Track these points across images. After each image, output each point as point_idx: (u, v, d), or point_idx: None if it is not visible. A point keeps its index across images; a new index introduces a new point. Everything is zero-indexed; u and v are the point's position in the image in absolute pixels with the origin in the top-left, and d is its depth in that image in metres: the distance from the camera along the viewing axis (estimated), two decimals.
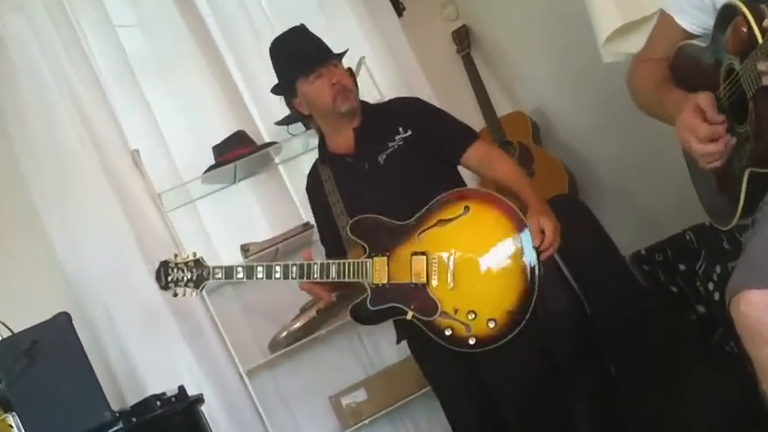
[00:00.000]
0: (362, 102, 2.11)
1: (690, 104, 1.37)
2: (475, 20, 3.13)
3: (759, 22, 1.23)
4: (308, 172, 2.18)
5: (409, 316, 1.92)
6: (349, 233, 1.97)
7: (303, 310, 2.73)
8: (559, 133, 2.96)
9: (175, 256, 1.96)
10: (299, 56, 2.04)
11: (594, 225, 2.52)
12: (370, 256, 1.94)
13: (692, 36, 1.51)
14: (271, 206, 2.88)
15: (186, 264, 1.94)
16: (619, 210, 2.75)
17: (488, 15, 3.03)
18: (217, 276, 1.95)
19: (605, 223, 2.47)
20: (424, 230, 1.94)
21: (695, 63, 1.48)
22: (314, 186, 2.15)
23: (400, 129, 2.02)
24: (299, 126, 2.84)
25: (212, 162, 2.76)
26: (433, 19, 3.15)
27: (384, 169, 2.01)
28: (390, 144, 2.01)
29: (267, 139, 2.88)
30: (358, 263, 1.93)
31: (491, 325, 1.86)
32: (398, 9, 2.97)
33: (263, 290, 2.79)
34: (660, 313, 2.27)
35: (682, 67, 1.53)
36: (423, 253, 1.92)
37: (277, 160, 2.93)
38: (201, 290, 1.94)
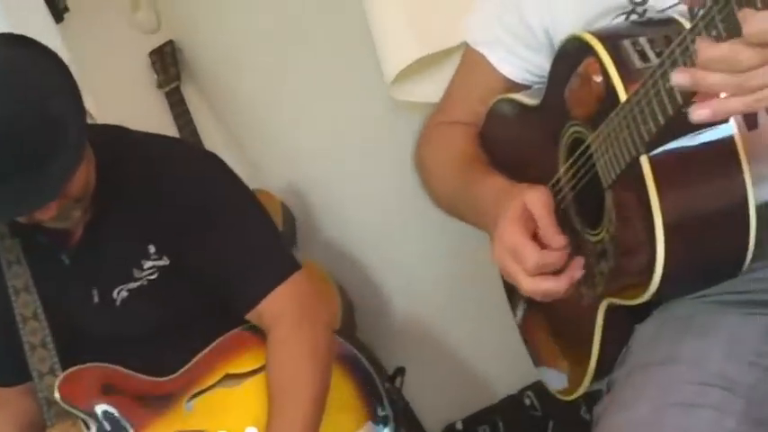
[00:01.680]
0: (111, 147, 1.92)
1: (513, 208, 1.38)
2: (188, 34, 3.06)
3: (621, 67, 1.26)
4: None
5: None
6: (59, 397, 1.87)
7: None
8: (326, 230, 2.96)
9: None
10: None
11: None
12: None
13: (515, 86, 1.56)
14: None
15: None
16: (423, 361, 2.77)
17: (212, 29, 2.95)
18: None
19: (404, 382, 2.46)
20: (198, 393, 1.93)
21: (519, 130, 1.51)
22: None
23: (151, 249, 1.92)
24: None
25: None
26: (116, 28, 3.06)
27: (122, 312, 1.94)
28: (137, 275, 1.93)
29: None
30: None
31: None
32: (56, 9, 2.78)
33: None
34: None
35: (498, 136, 1.56)
36: None
37: None
38: None
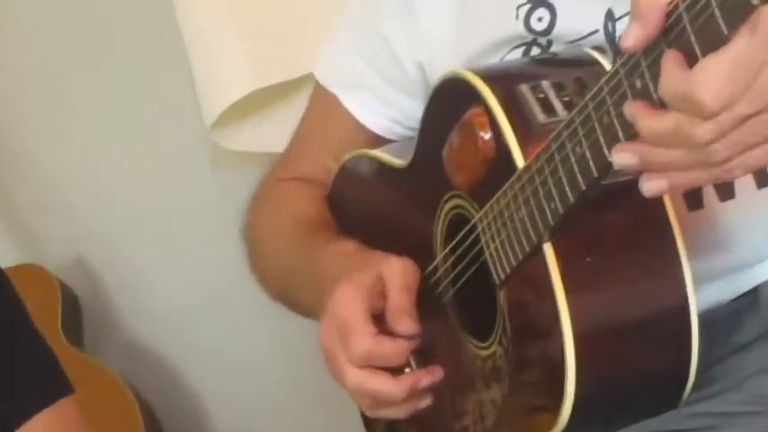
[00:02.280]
0: None
1: (363, 276, 1.35)
2: None
3: (518, 121, 1.24)
4: None
5: None
6: None
7: None
8: (124, 322, 2.96)
9: None
10: None
11: None
12: None
13: (380, 140, 1.58)
14: None
15: None
16: None
17: None
18: None
19: None
20: None
21: (381, 200, 1.54)
22: None
23: None
24: None
25: None
26: None
27: None
28: None
29: None
30: None
31: None
32: None
33: None
34: None
35: (352, 205, 1.58)
36: None
37: None
38: None
